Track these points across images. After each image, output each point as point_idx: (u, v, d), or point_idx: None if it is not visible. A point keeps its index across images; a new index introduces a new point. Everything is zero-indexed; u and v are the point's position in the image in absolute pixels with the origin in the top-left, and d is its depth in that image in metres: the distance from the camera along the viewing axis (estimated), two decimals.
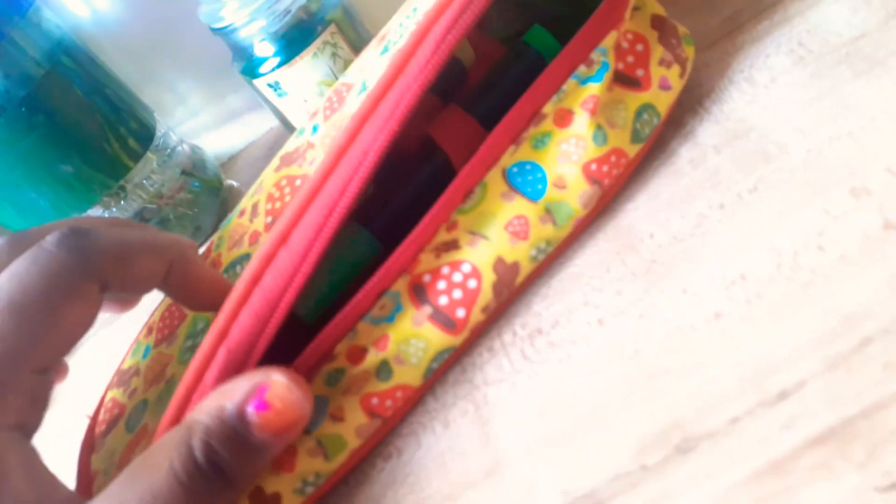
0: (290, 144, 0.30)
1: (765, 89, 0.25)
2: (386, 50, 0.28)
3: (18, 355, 0.20)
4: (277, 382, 0.20)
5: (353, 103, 0.28)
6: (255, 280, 0.22)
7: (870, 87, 0.23)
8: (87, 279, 0.21)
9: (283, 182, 0.28)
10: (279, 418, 0.20)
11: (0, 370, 0.20)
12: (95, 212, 0.39)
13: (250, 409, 0.19)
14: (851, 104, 0.23)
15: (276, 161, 0.30)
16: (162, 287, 0.24)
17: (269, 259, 0.22)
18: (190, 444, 0.19)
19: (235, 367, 0.21)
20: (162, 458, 0.19)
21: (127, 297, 0.27)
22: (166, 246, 0.23)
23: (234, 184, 0.45)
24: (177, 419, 0.21)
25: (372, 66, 0.28)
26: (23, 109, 0.35)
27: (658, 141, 0.26)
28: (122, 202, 0.39)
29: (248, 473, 0.20)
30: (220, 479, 0.19)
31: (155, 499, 0.18)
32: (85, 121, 0.37)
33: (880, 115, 0.22)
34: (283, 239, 0.22)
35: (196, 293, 0.24)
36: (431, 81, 0.22)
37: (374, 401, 0.24)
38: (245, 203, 0.29)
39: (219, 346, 0.21)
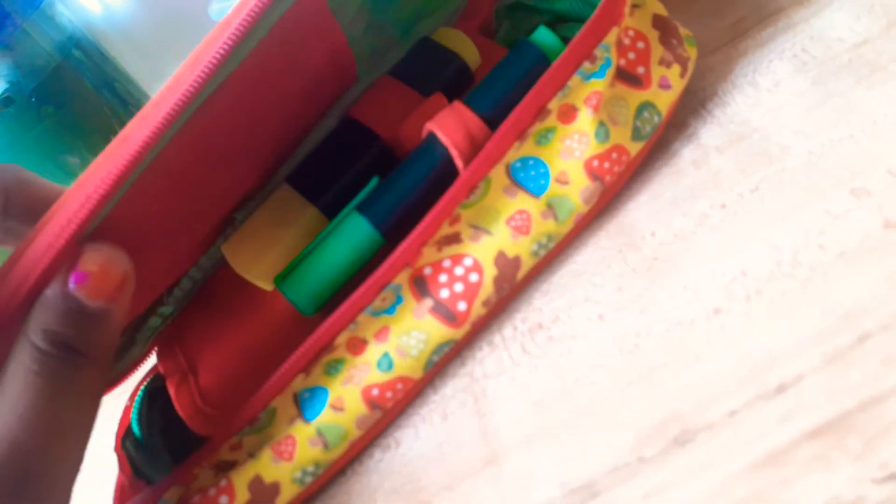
0: None
1: (768, 93, 0.26)
2: None
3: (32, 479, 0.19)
4: (86, 251, 0.20)
5: None
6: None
7: (871, 92, 0.23)
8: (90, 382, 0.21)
9: None
10: (103, 280, 0.20)
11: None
12: None
13: (71, 286, 0.19)
14: (853, 108, 0.23)
15: None
16: (5, 220, 0.23)
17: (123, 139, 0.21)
18: (30, 339, 0.19)
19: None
20: (14, 365, 0.19)
21: None
22: None
23: None
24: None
25: None
26: (33, 100, 0.35)
27: (660, 142, 0.27)
28: None
29: (101, 342, 0.20)
30: (72, 355, 0.19)
31: (20, 399, 0.18)
32: (93, 113, 0.38)
33: (882, 118, 0.23)
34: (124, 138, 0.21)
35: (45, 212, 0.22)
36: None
37: (375, 392, 0.24)
38: None
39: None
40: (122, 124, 0.38)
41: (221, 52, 0.21)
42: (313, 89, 0.28)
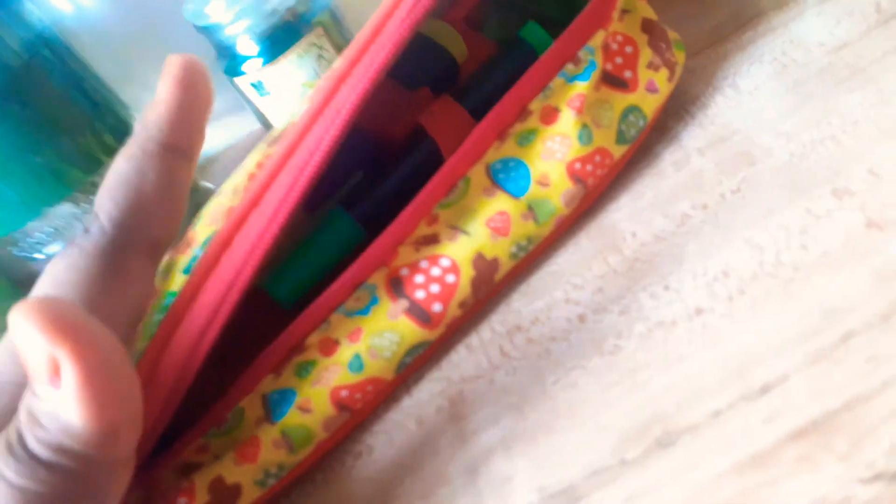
0: (278, 129, 0.30)
1: (749, 95, 0.25)
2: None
3: None
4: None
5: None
6: (225, 244, 0.21)
7: (852, 94, 0.23)
8: (121, 254, 0.20)
9: (265, 160, 0.28)
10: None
11: None
12: (66, 208, 0.38)
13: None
14: (834, 110, 0.23)
15: (261, 145, 0.30)
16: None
17: (240, 222, 0.21)
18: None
19: (198, 331, 0.20)
20: None
21: None
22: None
23: (211, 186, 0.45)
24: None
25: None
26: None
27: (641, 144, 0.26)
28: (93, 196, 0.38)
29: None
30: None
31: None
32: (60, 113, 0.37)
33: (862, 119, 0.22)
34: (255, 202, 0.22)
35: None
36: (403, 42, 0.22)
37: (344, 393, 0.23)
38: (226, 185, 0.29)
39: (186, 310, 0.20)
40: (90, 125, 0.38)
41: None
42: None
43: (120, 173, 0.20)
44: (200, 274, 0.21)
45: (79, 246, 0.19)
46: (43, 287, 0.19)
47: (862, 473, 0.16)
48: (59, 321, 0.14)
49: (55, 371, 0.15)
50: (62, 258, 0.19)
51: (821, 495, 0.16)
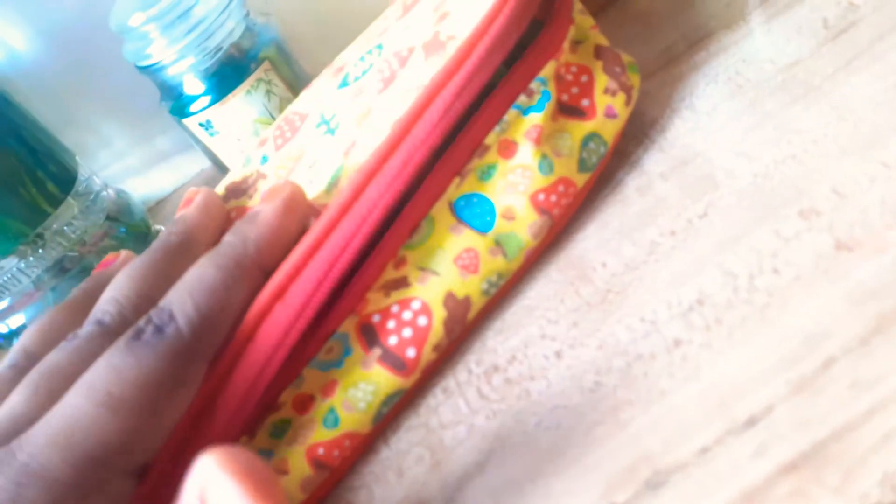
0: (237, 173, 0.29)
1: (707, 116, 0.26)
2: (345, 83, 0.27)
3: (113, 456, 0.18)
4: None
5: (314, 137, 0.27)
6: (250, 337, 0.21)
7: (808, 112, 0.24)
8: (191, 364, 0.20)
9: (234, 214, 0.27)
10: None
11: (91, 472, 0.18)
12: (10, 262, 0.36)
13: None
14: (792, 128, 0.23)
15: (221, 191, 0.29)
16: None
17: (263, 313, 0.21)
18: None
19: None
20: None
21: None
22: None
23: (163, 229, 0.43)
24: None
25: (330, 98, 0.27)
26: None
27: (604, 171, 0.26)
28: (41, 251, 0.36)
29: None
30: None
31: None
32: None
33: (821, 137, 0.23)
34: (280, 293, 0.21)
35: None
36: (437, 145, 0.22)
37: (321, 451, 0.22)
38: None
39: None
40: (31, 174, 0.36)
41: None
42: None
43: (208, 281, 0.21)
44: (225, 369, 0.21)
45: (150, 344, 0.19)
46: (105, 382, 0.18)
47: None
48: (265, 487, 0.14)
49: None
50: (129, 353, 0.19)
51: None
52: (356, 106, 0.26)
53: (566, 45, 0.25)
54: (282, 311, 0.21)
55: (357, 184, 0.22)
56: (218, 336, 0.20)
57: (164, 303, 0.20)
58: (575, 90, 0.25)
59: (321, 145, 0.26)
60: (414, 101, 0.23)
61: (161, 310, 0.20)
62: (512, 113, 0.24)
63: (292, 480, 0.22)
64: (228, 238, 0.22)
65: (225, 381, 0.20)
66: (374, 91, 0.25)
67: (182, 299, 0.20)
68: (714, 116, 0.25)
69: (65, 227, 0.37)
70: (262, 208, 0.23)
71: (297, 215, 0.23)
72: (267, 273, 0.22)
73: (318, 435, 0.22)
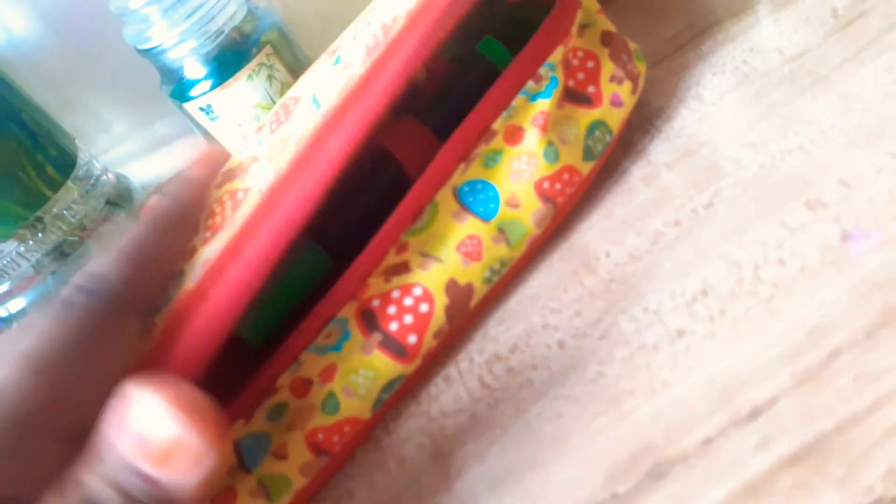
0: (234, 161, 0.29)
1: (713, 106, 0.25)
2: (337, 61, 0.27)
3: (35, 416, 0.18)
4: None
5: (304, 114, 0.26)
6: (202, 294, 0.20)
7: (816, 102, 0.23)
8: (109, 321, 0.19)
9: (225, 197, 0.27)
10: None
11: (17, 434, 0.17)
12: (9, 246, 0.36)
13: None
14: (799, 119, 0.23)
15: (218, 178, 0.28)
16: None
17: (218, 271, 0.20)
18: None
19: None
20: None
21: None
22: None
23: None
24: None
25: (323, 78, 0.27)
26: None
27: (608, 160, 0.26)
28: (40, 234, 0.36)
29: None
30: None
31: None
32: None
33: (828, 128, 0.22)
34: (235, 252, 0.20)
35: None
36: (397, 95, 0.22)
37: (320, 436, 0.22)
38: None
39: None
40: (31, 158, 0.36)
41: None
42: None
43: (128, 237, 0.20)
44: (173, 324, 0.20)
45: (68, 304, 0.19)
46: (24, 345, 0.18)
47: (861, 500, 0.15)
48: (196, 409, 0.14)
49: (168, 455, 0.15)
50: (48, 315, 0.19)
51: None
52: (342, 78, 0.25)
53: (574, 29, 0.25)
54: (237, 269, 0.20)
55: (315, 137, 0.22)
56: (137, 294, 0.20)
57: (88, 266, 0.20)
58: (581, 76, 0.25)
59: (309, 120, 0.26)
60: (376, 58, 0.22)
61: (82, 272, 0.20)
62: (520, 99, 0.24)
63: (292, 465, 0.22)
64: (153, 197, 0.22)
65: (174, 338, 0.20)
66: (359, 62, 0.25)
67: (101, 260, 0.20)
68: (720, 106, 0.25)
69: (64, 212, 0.37)
70: (184, 165, 0.22)
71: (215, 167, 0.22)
72: (194, 222, 0.21)
73: (318, 420, 0.22)
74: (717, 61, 0.27)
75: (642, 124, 0.26)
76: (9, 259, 0.36)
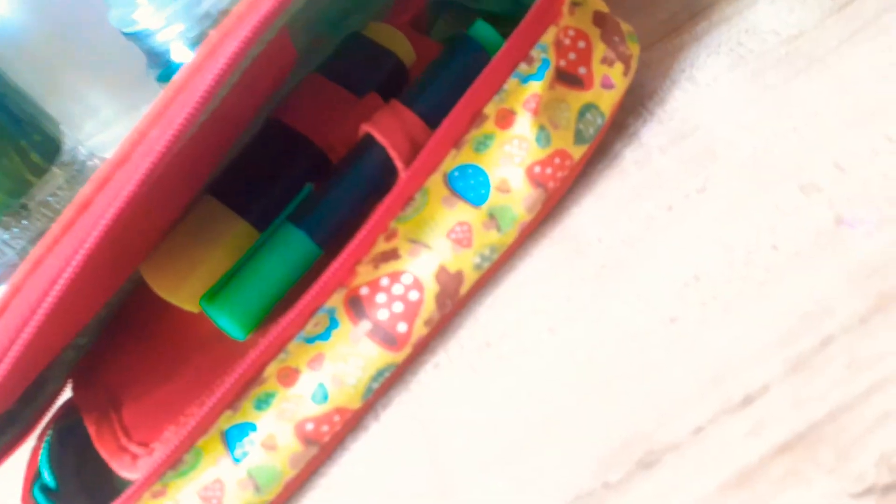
0: None
1: (707, 88, 0.25)
2: None
3: None
4: None
5: None
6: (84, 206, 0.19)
7: (810, 84, 0.23)
8: None
9: None
10: None
11: None
12: None
13: None
14: (794, 101, 0.23)
15: None
16: None
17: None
18: None
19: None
20: None
21: None
22: None
23: None
24: None
25: None
26: None
27: (601, 142, 0.25)
28: (25, 221, 0.36)
29: None
30: None
31: None
32: None
33: (823, 110, 0.22)
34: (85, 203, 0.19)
35: None
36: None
37: (310, 427, 0.22)
38: None
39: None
40: (14, 144, 0.35)
41: (193, 110, 0.19)
42: (254, 100, 0.26)
43: None
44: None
45: None
46: None
47: (852, 487, 0.15)
48: None
49: None
50: None
51: None
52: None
53: (565, 7, 0.24)
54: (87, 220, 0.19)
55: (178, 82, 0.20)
56: None
57: None
58: (572, 56, 0.24)
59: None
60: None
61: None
62: (512, 81, 0.24)
63: (281, 456, 0.22)
64: None
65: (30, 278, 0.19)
66: None
67: None
68: (714, 88, 0.25)
69: (49, 198, 0.36)
70: None
71: None
72: None
73: (307, 410, 0.22)
74: (711, 42, 0.26)
75: (635, 107, 0.26)
76: None
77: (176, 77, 0.20)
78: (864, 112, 0.21)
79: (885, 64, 0.22)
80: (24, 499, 0.25)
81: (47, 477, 0.25)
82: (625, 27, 0.25)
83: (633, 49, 0.25)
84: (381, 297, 0.22)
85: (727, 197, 0.22)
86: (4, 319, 0.19)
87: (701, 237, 0.21)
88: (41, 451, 0.26)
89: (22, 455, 0.26)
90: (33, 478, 0.25)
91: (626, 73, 0.24)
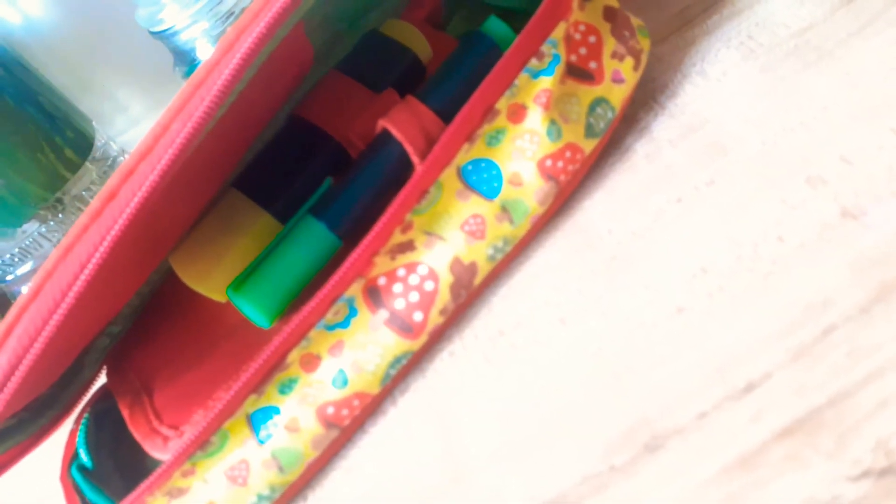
0: None
1: (717, 83, 0.25)
2: None
3: None
4: None
5: None
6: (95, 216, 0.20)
7: (820, 78, 0.23)
8: None
9: None
10: None
11: None
12: (31, 227, 0.37)
13: None
14: (803, 95, 0.23)
15: None
16: None
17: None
18: None
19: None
20: None
21: None
22: None
23: None
24: None
25: None
26: None
27: (612, 137, 0.26)
28: (60, 215, 0.37)
29: None
30: None
31: None
32: (16, 131, 0.36)
33: (832, 104, 0.22)
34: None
35: None
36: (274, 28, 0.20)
37: (331, 410, 0.23)
38: None
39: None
40: (49, 141, 0.36)
41: (212, 104, 0.20)
42: (274, 97, 0.27)
43: None
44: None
45: None
46: None
47: (849, 471, 0.16)
48: None
49: None
50: None
51: (809, 495, 0.16)
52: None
53: (575, 3, 0.25)
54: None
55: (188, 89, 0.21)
56: None
57: None
58: (583, 50, 0.25)
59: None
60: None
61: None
62: (523, 77, 0.24)
63: (304, 438, 0.23)
64: None
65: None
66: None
67: None
68: (725, 82, 0.25)
69: (83, 192, 0.38)
70: None
71: None
72: None
73: (328, 395, 0.23)
74: (722, 36, 0.27)
75: (646, 101, 0.26)
76: (31, 239, 0.37)
77: (195, 73, 0.21)
78: (871, 106, 0.22)
79: (893, 57, 0.22)
80: (62, 477, 0.26)
81: (84, 457, 0.26)
82: (635, 22, 0.26)
83: (644, 43, 0.25)
84: (397, 287, 0.23)
85: (735, 190, 0.22)
86: (38, 302, 0.20)
87: (709, 230, 0.22)
88: (78, 433, 0.27)
89: (60, 436, 0.27)
90: (71, 458, 0.27)
91: (636, 68, 0.25)
